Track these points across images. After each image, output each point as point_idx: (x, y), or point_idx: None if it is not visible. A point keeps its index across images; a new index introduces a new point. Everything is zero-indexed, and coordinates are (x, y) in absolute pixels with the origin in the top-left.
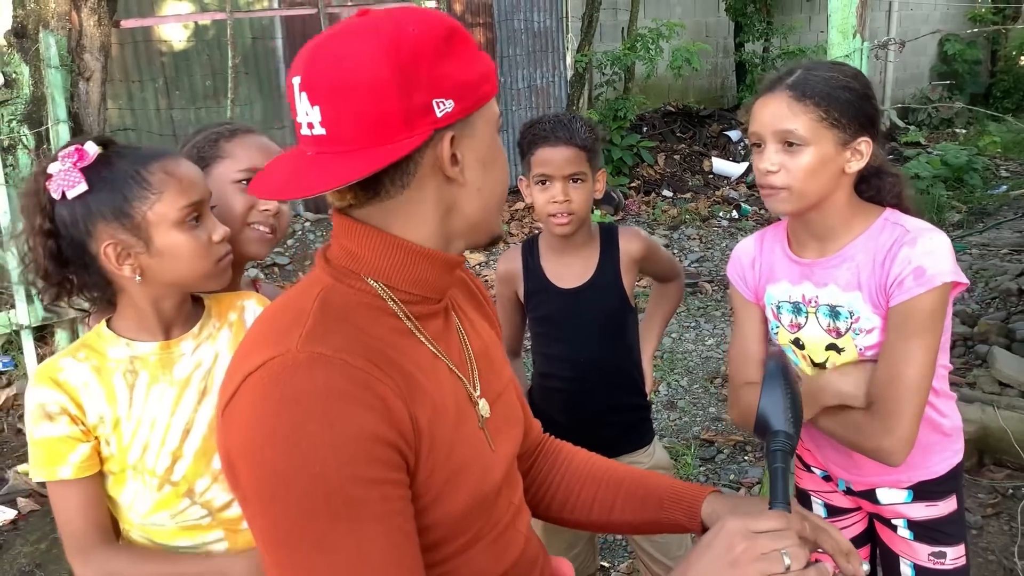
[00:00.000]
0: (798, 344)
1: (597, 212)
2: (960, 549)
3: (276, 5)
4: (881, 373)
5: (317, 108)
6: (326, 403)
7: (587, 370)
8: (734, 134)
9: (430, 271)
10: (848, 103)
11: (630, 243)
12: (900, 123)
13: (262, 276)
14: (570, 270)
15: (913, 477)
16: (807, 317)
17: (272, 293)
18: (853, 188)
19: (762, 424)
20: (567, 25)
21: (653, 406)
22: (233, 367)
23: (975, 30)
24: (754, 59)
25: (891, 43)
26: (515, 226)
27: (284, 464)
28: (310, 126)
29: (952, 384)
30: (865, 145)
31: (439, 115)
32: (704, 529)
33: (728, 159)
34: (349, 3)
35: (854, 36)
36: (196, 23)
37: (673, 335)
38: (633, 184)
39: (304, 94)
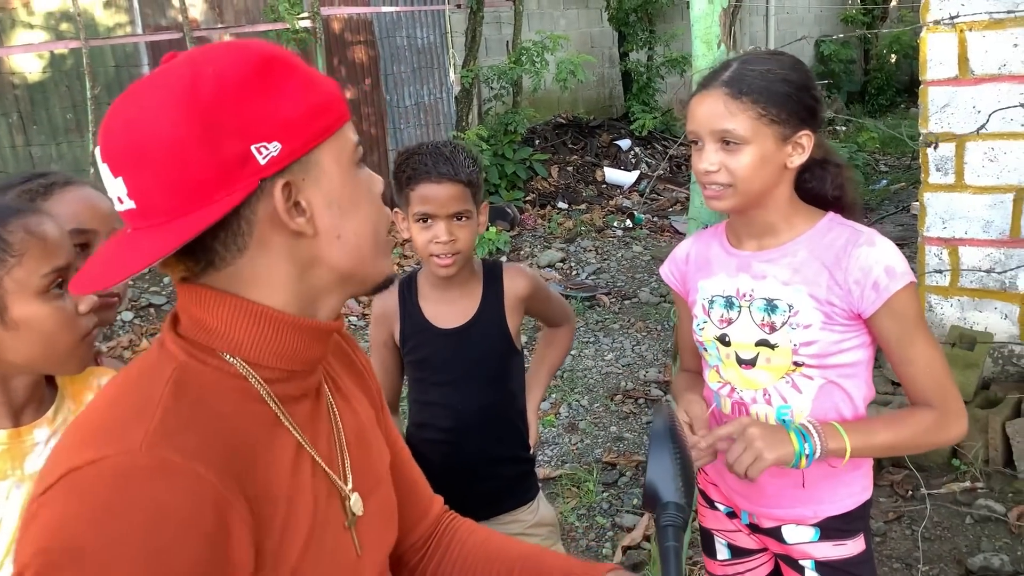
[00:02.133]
0: (724, 341)
1: (492, 228)
2: None
3: (140, 31)
4: (916, 377)
5: (120, 180)
6: (158, 525)
7: (468, 419)
8: (624, 143)
9: (297, 341)
10: (787, 97)
11: (515, 281)
12: None
13: (104, 349)
14: (451, 309)
15: (820, 512)
16: (739, 311)
17: (115, 368)
18: (795, 182)
19: (651, 495)
20: (451, 40)
21: (554, 430)
22: (58, 452)
23: (848, 31)
24: (639, 68)
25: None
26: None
27: None
28: (120, 200)
29: None
30: (806, 139)
31: (262, 162)
32: None
33: (619, 168)
34: (219, 26)
35: (719, 46)
36: (52, 52)
37: (573, 352)
38: (528, 198)
39: (106, 166)
